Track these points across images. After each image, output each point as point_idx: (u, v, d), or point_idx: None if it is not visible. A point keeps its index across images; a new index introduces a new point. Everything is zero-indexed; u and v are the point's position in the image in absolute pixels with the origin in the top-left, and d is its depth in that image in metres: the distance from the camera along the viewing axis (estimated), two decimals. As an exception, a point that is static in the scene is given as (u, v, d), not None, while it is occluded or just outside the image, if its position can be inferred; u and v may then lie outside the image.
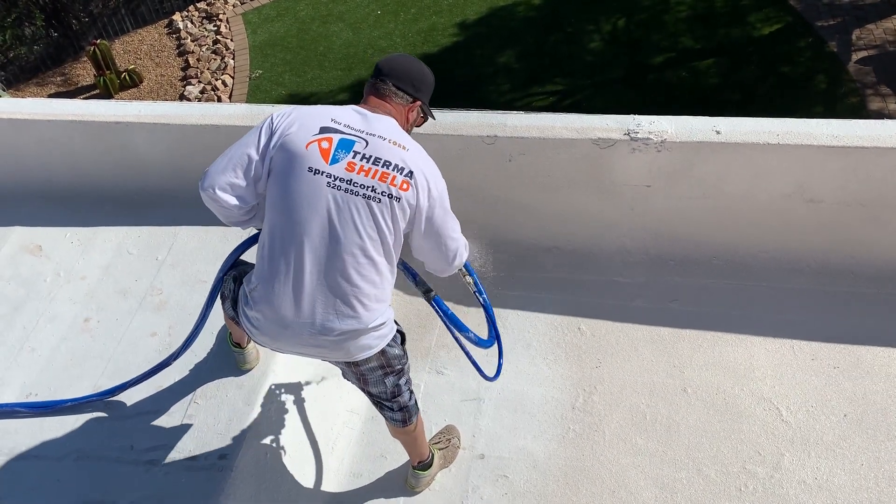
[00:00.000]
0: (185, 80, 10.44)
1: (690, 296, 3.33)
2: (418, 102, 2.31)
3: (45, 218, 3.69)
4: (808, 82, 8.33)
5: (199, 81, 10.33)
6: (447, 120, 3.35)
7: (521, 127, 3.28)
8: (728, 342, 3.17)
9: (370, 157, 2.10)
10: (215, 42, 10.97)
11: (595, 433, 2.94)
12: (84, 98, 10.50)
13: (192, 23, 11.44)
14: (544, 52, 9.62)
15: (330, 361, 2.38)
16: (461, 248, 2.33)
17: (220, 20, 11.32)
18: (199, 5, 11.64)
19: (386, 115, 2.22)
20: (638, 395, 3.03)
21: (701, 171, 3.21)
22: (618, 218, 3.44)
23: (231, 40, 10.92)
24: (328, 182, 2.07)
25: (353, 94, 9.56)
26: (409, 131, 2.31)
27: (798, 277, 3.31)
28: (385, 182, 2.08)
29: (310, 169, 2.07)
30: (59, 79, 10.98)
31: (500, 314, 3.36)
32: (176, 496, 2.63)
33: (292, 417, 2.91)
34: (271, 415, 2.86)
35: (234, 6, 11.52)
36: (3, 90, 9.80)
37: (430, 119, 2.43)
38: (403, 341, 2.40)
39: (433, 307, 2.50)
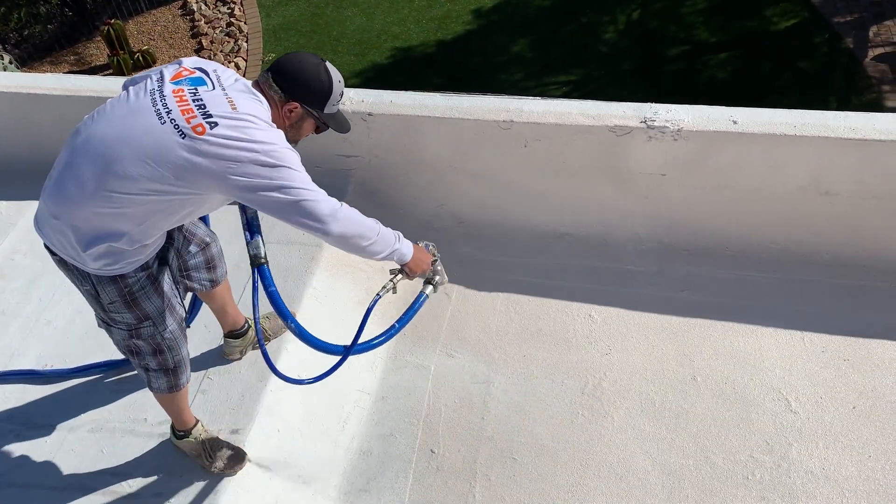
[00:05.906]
0: (199, 61, 10.45)
1: (702, 285, 3.34)
2: (295, 104, 2.13)
3: (62, 193, 3.70)
4: (823, 78, 8.29)
5: (213, 63, 10.34)
6: (463, 104, 3.36)
7: (537, 112, 3.28)
8: (738, 332, 3.17)
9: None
10: (229, 24, 10.96)
11: (604, 419, 2.95)
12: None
13: (206, 5, 11.42)
14: (558, 41, 9.59)
15: None
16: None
17: (235, 3, 11.30)
18: (213, -13, 11.63)
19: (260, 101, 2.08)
20: (647, 382, 3.04)
21: (716, 161, 3.21)
22: (632, 206, 3.44)
23: (245, 23, 10.91)
24: None
25: (366, 80, 9.54)
26: (290, 133, 2.17)
27: (810, 269, 3.32)
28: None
29: None
30: (72, 58, 10.98)
31: (512, 299, 3.38)
32: (188, 469, 2.66)
33: (304, 395, 2.93)
34: (283, 392, 2.89)
35: (248, -11, 11.51)
36: (17, 68, 9.82)
37: (329, 128, 2.24)
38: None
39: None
